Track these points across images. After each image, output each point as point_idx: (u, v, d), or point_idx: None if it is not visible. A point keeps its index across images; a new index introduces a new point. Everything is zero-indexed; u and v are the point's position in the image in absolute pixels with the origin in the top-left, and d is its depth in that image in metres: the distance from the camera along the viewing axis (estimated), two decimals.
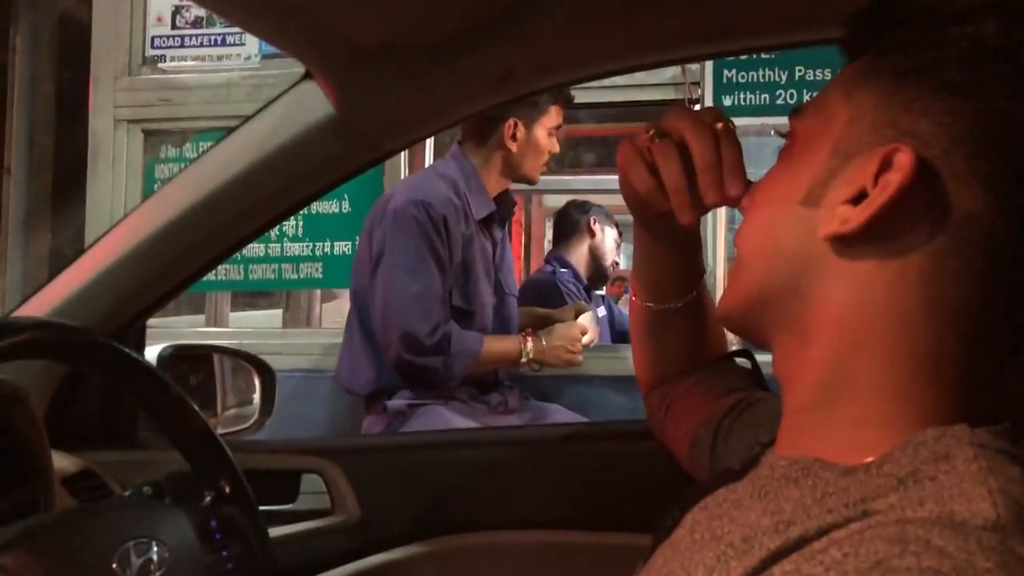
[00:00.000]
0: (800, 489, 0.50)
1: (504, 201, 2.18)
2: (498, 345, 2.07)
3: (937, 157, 0.49)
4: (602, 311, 3.18)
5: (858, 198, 0.51)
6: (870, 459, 0.49)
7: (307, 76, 1.00)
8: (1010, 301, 0.50)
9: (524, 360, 2.06)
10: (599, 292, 3.33)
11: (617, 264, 3.36)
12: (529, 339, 2.07)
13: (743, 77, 2.54)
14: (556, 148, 2.17)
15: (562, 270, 3.06)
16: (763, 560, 0.45)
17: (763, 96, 2.53)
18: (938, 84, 0.50)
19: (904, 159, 0.49)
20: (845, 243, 0.52)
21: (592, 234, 3.13)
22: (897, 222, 0.50)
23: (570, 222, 3.19)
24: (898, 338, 0.50)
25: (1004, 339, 0.51)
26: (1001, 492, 0.42)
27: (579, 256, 3.12)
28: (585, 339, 2.15)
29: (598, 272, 3.16)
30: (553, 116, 2.14)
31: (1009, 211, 0.49)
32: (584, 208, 3.18)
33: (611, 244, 3.19)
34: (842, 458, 0.50)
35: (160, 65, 2.79)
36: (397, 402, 2.03)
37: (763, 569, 0.45)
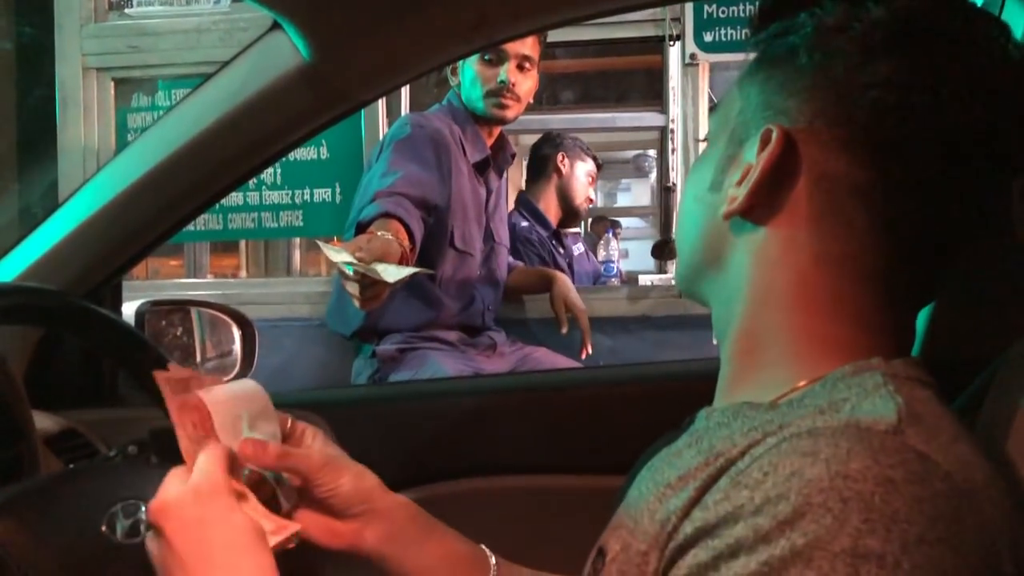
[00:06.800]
0: (729, 429, 0.55)
1: (502, 148, 2.19)
2: None
3: (803, 130, 0.55)
4: (579, 248, 3.09)
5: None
6: (793, 394, 0.54)
7: (275, 26, 0.98)
8: (899, 248, 0.55)
9: None
10: (574, 230, 3.15)
11: (592, 200, 3.04)
12: None
13: (723, 12, 2.51)
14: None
15: (523, 224, 2.76)
16: (698, 490, 0.50)
17: (744, 31, 2.50)
18: (797, 65, 0.57)
19: (774, 136, 0.55)
20: (742, 218, 0.59)
21: (559, 172, 2.86)
22: (779, 192, 0.56)
23: (539, 159, 2.91)
24: (796, 287, 0.57)
25: (906, 278, 0.57)
26: (906, 405, 0.48)
27: (547, 197, 2.86)
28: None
29: (569, 212, 2.89)
30: (528, 43, 2.08)
31: (876, 170, 0.54)
32: (555, 143, 2.88)
33: (583, 180, 2.90)
34: (768, 398, 0.55)
35: (127, 10, 2.71)
36: (386, 347, 2.03)
37: (699, 499, 0.49)
